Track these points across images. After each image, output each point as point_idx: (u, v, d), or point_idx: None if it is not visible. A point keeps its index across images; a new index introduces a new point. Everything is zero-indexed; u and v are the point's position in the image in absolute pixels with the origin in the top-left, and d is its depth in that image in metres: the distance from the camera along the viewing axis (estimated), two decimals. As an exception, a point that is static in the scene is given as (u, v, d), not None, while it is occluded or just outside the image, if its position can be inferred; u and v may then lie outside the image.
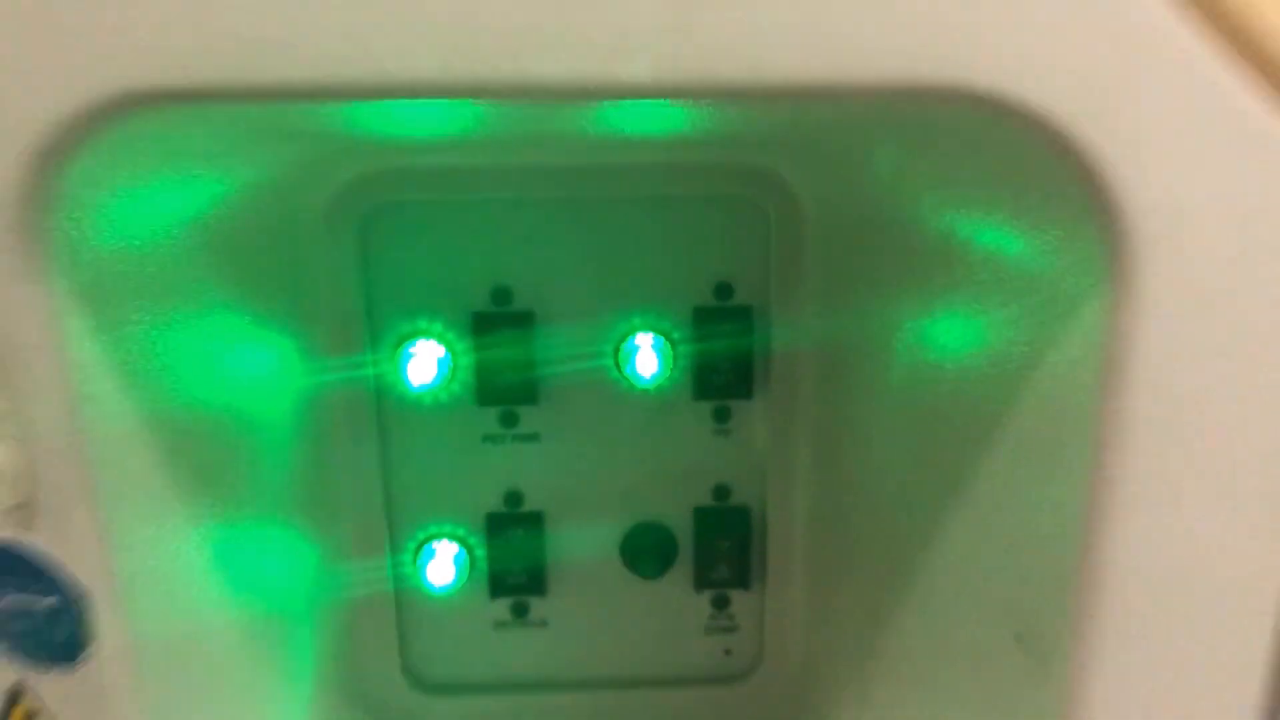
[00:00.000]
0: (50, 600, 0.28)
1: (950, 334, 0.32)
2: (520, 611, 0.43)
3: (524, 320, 0.39)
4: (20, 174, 0.23)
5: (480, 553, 0.42)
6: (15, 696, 0.30)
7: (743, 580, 0.43)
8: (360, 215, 0.38)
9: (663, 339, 0.40)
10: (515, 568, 0.42)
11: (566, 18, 0.21)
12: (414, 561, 0.42)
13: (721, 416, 0.41)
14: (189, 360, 0.31)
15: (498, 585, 0.42)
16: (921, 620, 0.36)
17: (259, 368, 0.36)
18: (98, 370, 0.27)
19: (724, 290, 0.39)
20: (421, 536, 0.42)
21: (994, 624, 0.30)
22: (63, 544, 0.27)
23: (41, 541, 0.27)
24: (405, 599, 0.42)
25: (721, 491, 0.42)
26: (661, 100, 0.22)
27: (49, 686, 0.29)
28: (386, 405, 0.40)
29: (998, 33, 0.21)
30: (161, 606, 0.30)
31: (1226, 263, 0.22)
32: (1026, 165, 0.24)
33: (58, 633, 0.28)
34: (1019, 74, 0.21)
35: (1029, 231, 0.27)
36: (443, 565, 0.42)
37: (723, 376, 0.40)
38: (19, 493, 0.27)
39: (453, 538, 0.42)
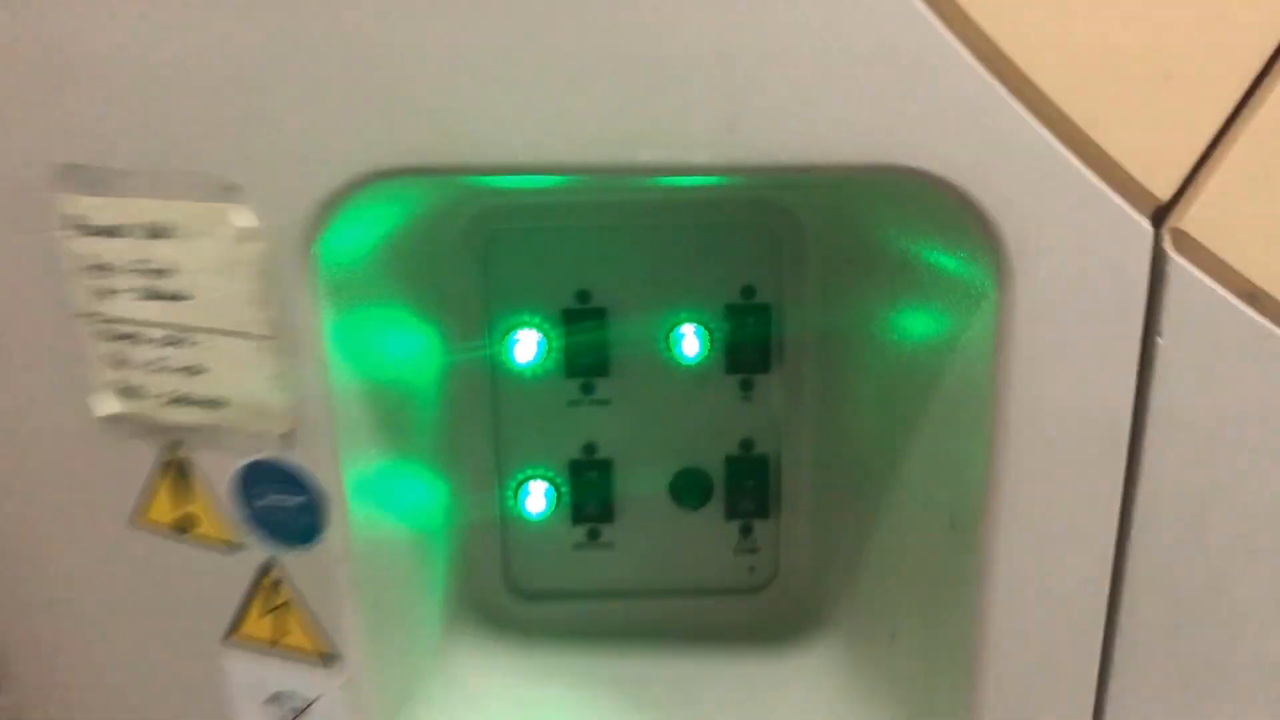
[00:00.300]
0: (299, 499, 0.42)
1: (907, 324, 0.46)
2: (593, 535, 0.57)
3: (599, 314, 0.53)
4: (305, 221, 0.37)
5: (565, 490, 0.56)
6: (267, 568, 0.43)
7: (762, 512, 0.56)
8: (483, 239, 0.51)
9: (702, 328, 0.53)
10: (590, 502, 0.56)
11: (658, 127, 0.34)
12: (515, 496, 0.56)
13: (746, 387, 0.54)
14: (376, 340, 0.45)
15: (577, 515, 0.56)
16: (892, 531, 0.49)
17: (414, 349, 0.49)
18: (334, 344, 0.41)
19: (748, 291, 0.53)
20: (521, 477, 0.55)
21: (936, 519, 0.44)
22: (311, 461, 0.41)
23: (296, 458, 0.41)
24: (508, 525, 0.56)
25: (746, 444, 0.55)
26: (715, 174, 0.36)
27: (290, 561, 0.43)
28: (498, 378, 0.54)
29: (925, 134, 0.34)
30: (365, 512, 0.44)
31: (1069, 276, 0.35)
32: (947, 209, 0.37)
33: (301, 523, 0.42)
34: (939, 158, 0.34)
35: (950, 250, 0.40)
36: (536, 499, 0.56)
37: (747, 356, 0.53)
38: (286, 425, 0.40)
39: (544, 478, 0.55)
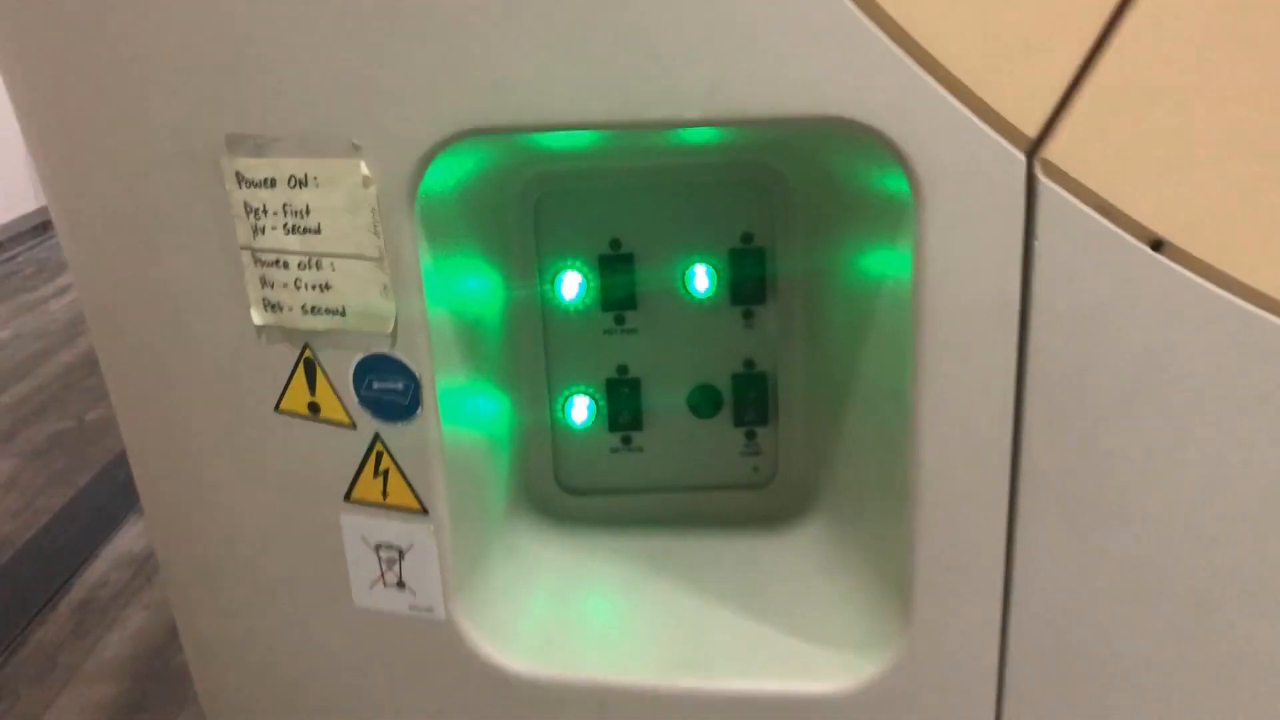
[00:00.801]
0: (399, 384, 0.55)
1: (868, 261, 0.58)
2: (626, 441, 0.70)
3: (628, 259, 0.66)
4: (410, 172, 0.51)
5: (603, 403, 0.69)
6: (375, 441, 0.57)
7: (763, 420, 0.69)
8: (536, 198, 0.65)
9: (711, 268, 0.66)
10: (623, 413, 0.69)
11: (661, 91, 0.47)
12: (563, 408, 0.69)
13: (748, 316, 0.67)
14: (455, 272, 0.58)
15: (613, 423, 0.69)
16: (863, 424, 0.62)
17: (483, 286, 0.63)
18: (426, 267, 0.54)
19: (747, 237, 0.65)
20: (567, 392, 0.69)
21: (891, 402, 0.56)
22: (409, 355, 0.55)
23: (398, 352, 0.55)
24: (558, 432, 0.69)
25: (749, 363, 0.68)
26: (703, 126, 0.49)
27: (392, 435, 0.57)
28: (549, 311, 0.67)
29: (852, 90, 0.47)
30: (451, 406, 0.57)
31: (965, 196, 0.48)
32: (876, 151, 0.50)
33: (402, 402, 0.56)
34: (863, 109, 0.47)
35: (888, 182, 0.53)
36: (580, 410, 0.69)
37: (748, 291, 0.66)
38: (389, 326, 0.54)
39: (586, 393, 0.69)
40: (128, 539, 1.32)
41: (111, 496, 1.43)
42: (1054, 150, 0.47)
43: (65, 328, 2.12)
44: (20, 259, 2.71)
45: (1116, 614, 0.53)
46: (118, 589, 1.22)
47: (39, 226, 2.91)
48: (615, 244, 0.66)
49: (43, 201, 2.92)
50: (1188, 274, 0.48)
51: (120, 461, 1.53)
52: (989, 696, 0.55)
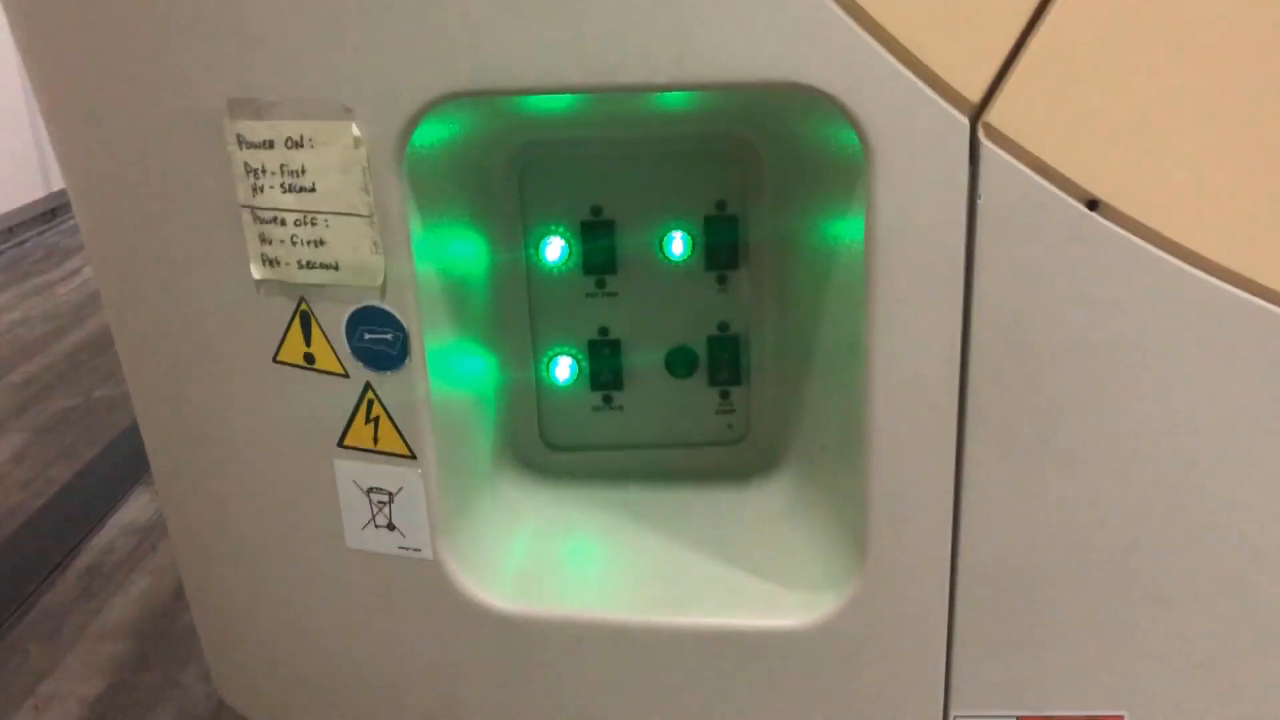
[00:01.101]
0: (389, 335, 0.59)
1: (830, 225, 0.62)
2: (607, 400, 0.73)
3: (609, 225, 0.70)
4: (397, 133, 0.54)
5: (584, 363, 0.72)
6: (367, 389, 0.61)
7: (737, 380, 0.72)
8: (521, 165, 0.69)
9: (687, 234, 0.70)
10: (604, 373, 0.72)
11: (632, 57, 0.51)
12: (547, 367, 0.73)
13: (722, 280, 0.71)
14: (443, 235, 0.62)
15: (595, 382, 0.73)
16: (826, 378, 0.65)
17: (468, 248, 0.67)
18: (415, 228, 0.58)
19: (721, 205, 0.69)
20: (551, 352, 0.72)
21: (849, 354, 0.60)
22: (398, 307, 0.58)
23: (387, 304, 0.58)
24: (542, 390, 0.73)
25: (723, 325, 0.71)
26: (670, 90, 0.53)
27: (383, 384, 0.60)
28: (534, 275, 0.71)
29: (808, 58, 0.51)
30: (439, 361, 0.61)
31: (912, 157, 0.52)
32: (839, 119, 0.54)
33: (391, 352, 0.59)
34: (817, 75, 0.51)
35: (846, 149, 0.56)
36: (563, 370, 0.72)
37: (722, 256, 0.70)
38: (379, 280, 0.58)
39: (568, 354, 0.72)
40: (134, 509, 1.36)
41: (119, 469, 1.47)
42: (996, 114, 0.51)
43: (74, 310, 2.16)
44: (29, 244, 2.75)
45: (1056, 552, 0.57)
46: (124, 555, 1.26)
47: (47, 213, 2.95)
48: (597, 210, 0.69)
49: (51, 188, 2.96)
50: (1122, 232, 0.52)
51: (127, 436, 1.57)
52: (940, 630, 0.59)
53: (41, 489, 1.43)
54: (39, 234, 2.86)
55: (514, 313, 0.71)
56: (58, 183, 2.92)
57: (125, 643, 1.11)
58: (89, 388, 1.76)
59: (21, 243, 2.77)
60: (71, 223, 2.95)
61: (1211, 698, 0.60)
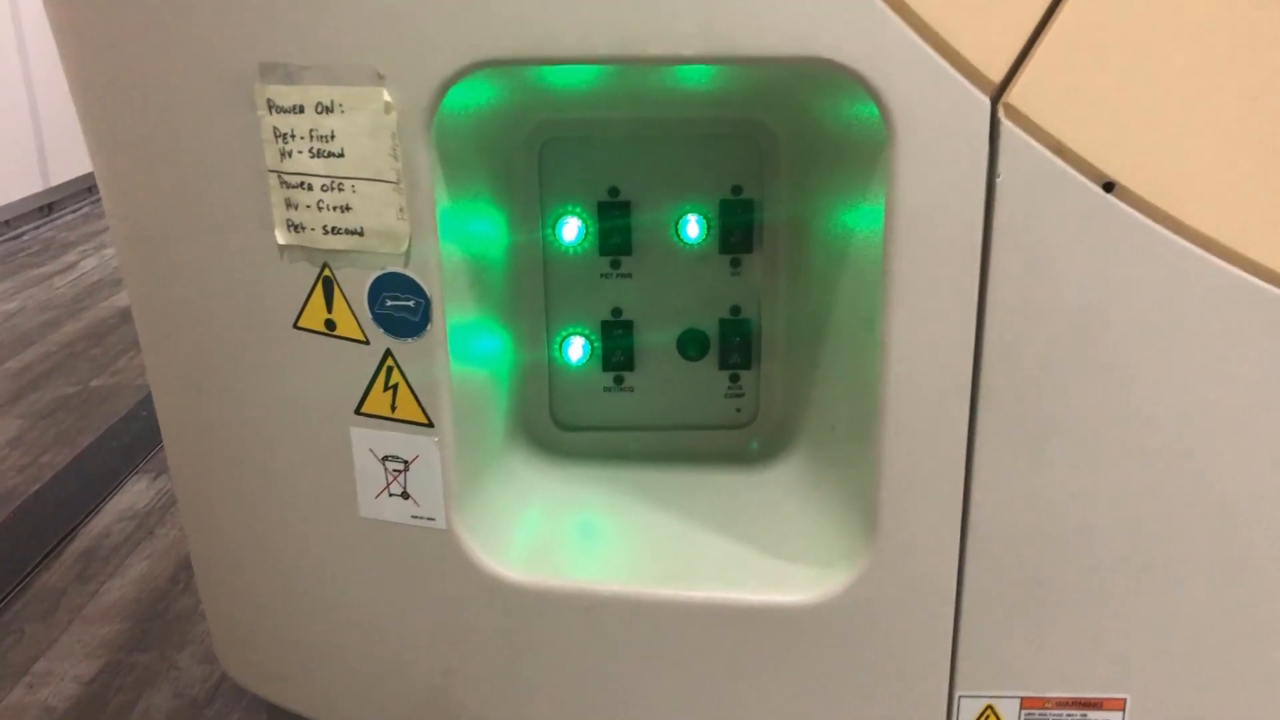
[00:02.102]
0: (411, 302, 0.60)
1: (847, 209, 0.63)
2: (619, 380, 0.74)
3: (625, 206, 0.70)
4: (428, 100, 0.55)
5: (597, 344, 0.73)
6: (386, 357, 0.61)
7: (747, 364, 0.73)
8: (540, 146, 0.69)
9: (702, 217, 0.71)
10: (616, 353, 0.73)
11: (662, 27, 0.52)
12: (560, 348, 0.73)
13: (736, 264, 0.72)
14: (463, 214, 0.63)
15: (607, 363, 0.73)
16: (840, 366, 0.66)
17: (488, 224, 0.67)
18: (440, 199, 0.58)
19: (737, 189, 0.70)
20: (564, 333, 0.73)
21: (863, 334, 0.61)
22: (421, 274, 0.59)
23: (410, 271, 0.59)
24: (554, 370, 0.74)
25: (735, 309, 0.72)
26: (696, 63, 0.54)
27: (403, 351, 0.61)
28: (550, 254, 0.72)
29: (834, 33, 0.52)
30: (457, 334, 0.61)
31: (934, 135, 0.53)
32: (861, 102, 0.55)
33: (413, 319, 0.60)
34: (843, 51, 0.52)
35: (866, 132, 0.57)
36: (576, 350, 0.73)
37: (736, 239, 0.71)
38: (404, 246, 0.58)
39: (582, 334, 0.73)
40: (131, 495, 1.36)
41: (116, 455, 1.46)
42: (1016, 95, 0.52)
43: (70, 301, 2.16)
44: (26, 237, 2.75)
45: (1063, 532, 0.58)
46: (120, 540, 1.26)
47: (44, 207, 2.95)
48: (614, 192, 0.70)
49: (50, 182, 2.96)
50: (1136, 214, 0.53)
51: (124, 424, 1.56)
52: (947, 608, 0.60)
53: (38, 474, 1.42)
54: (36, 227, 2.86)
55: (530, 292, 0.72)
56: (56, 177, 2.92)
57: (121, 624, 1.10)
58: (86, 377, 1.76)
59: (19, 235, 2.76)
60: (69, 217, 2.95)
61: (1213, 681, 0.61)
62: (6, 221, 2.74)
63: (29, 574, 1.20)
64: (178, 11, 0.58)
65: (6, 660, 1.05)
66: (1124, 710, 0.62)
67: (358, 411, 0.63)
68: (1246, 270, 0.54)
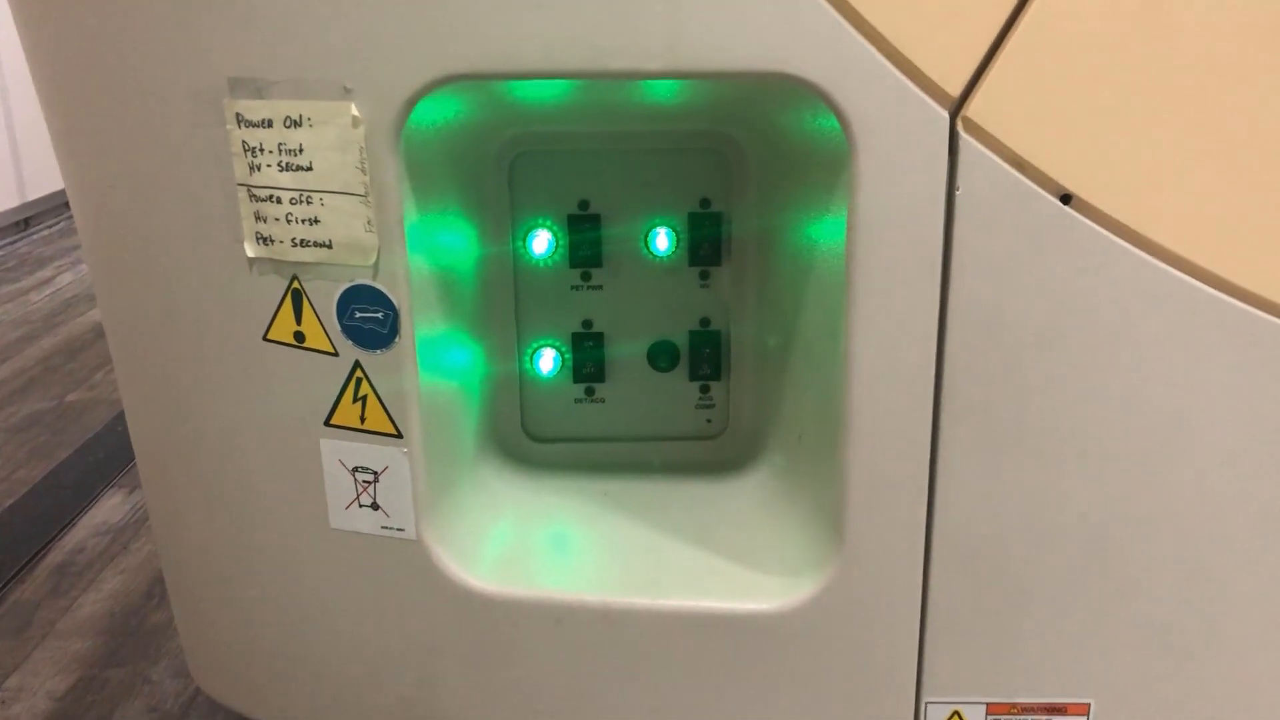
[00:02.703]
0: (380, 313, 0.60)
1: (812, 221, 0.64)
2: (590, 391, 0.74)
3: (595, 219, 0.71)
4: (395, 114, 0.56)
5: (568, 355, 0.74)
6: (355, 368, 0.62)
7: (717, 375, 0.74)
8: (510, 160, 0.70)
9: (671, 230, 0.71)
10: (587, 365, 0.74)
11: (626, 43, 0.53)
12: (531, 359, 0.74)
13: (705, 276, 0.72)
14: (432, 227, 0.63)
15: (578, 374, 0.74)
16: (807, 377, 0.67)
17: (458, 237, 0.68)
18: (409, 213, 0.59)
19: (705, 202, 0.71)
20: (535, 344, 0.74)
21: (827, 341, 0.61)
22: (389, 286, 0.59)
23: (379, 283, 0.59)
24: (525, 381, 0.74)
25: (705, 321, 0.73)
26: (661, 78, 0.54)
27: (371, 360, 0.61)
28: (521, 266, 0.72)
29: (797, 50, 0.53)
30: (427, 346, 0.62)
31: (895, 148, 0.53)
32: (824, 117, 0.56)
33: (381, 330, 0.60)
34: (806, 67, 0.53)
35: (829, 147, 0.58)
36: (547, 362, 0.74)
37: (705, 252, 0.71)
38: (372, 258, 0.59)
39: (552, 346, 0.74)
40: (106, 510, 1.35)
41: (91, 470, 1.46)
42: (974, 109, 0.53)
43: (46, 317, 2.15)
44: (2, 252, 2.73)
45: (1027, 539, 0.58)
46: (95, 555, 1.25)
47: (20, 222, 2.94)
48: (584, 205, 0.71)
49: (25, 198, 2.94)
50: (1094, 226, 0.54)
51: (99, 439, 1.56)
52: (913, 616, 0.60)
53: (11, 489, 1.41)
54: (11, 243, 2.84)
55: (500, 304, 0.72)
56: (32, 192, 2.91)
57: (95, 639, 1.10)
58: (62, 392, 1.75)
59: (-6, 250, 2.75)
60: (45, 232, 2.93)
61: (1176, 685, 0.61)
62: (-18, 236, 2.73)
63: (2, 589, 1.19)
64: (147, 27, 0.58)
65: (-22, 676, 1.04)
66: (1088, 715, 0.62)
67: (327, 423, 0.63)
68: (1203, 281, 0.55)
